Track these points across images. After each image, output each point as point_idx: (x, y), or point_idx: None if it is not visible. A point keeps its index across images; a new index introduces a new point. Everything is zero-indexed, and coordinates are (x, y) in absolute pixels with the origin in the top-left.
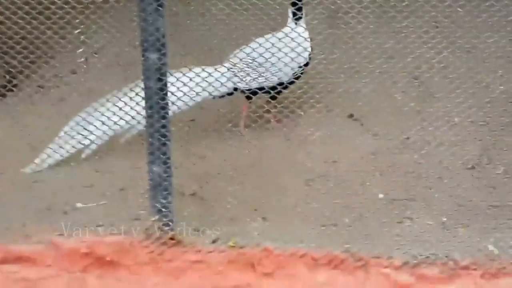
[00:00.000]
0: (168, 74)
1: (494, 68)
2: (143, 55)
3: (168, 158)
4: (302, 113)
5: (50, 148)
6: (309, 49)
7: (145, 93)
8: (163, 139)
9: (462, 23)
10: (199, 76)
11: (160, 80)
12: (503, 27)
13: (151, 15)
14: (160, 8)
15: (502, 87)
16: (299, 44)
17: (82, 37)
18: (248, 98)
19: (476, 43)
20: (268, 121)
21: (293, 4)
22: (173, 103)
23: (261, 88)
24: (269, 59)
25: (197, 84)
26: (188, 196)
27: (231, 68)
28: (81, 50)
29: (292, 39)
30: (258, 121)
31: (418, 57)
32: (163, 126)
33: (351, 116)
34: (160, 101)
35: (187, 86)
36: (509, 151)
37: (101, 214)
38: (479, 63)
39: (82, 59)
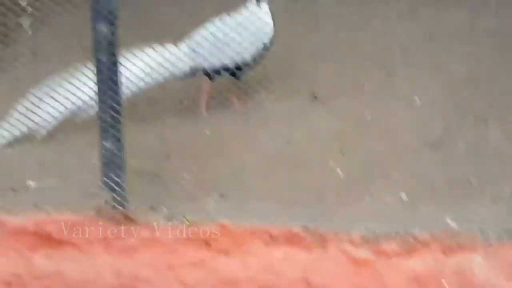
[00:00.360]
0: (128, 53)
1: (457, 53)
2: (93, 28)
3: (121, 135)
4: (264, 93)
5: (2, 127)
6: (272, 29)
7: (96, 68)
8: (115, 115)
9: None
10: (160, 54)
11: (112, 54)
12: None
13: None
14: None
15: (464, 69)
16: (263, 23)
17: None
18: (210, 77)
19: (437, 27)
20: (230, 101)
21: None
22: (132, 82)
23: (223, 68)
24: (232, 37)
25: (158, 63)
26: (145, 174)
27: (192, 46)
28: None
29: (256, 18)
30: (220, 101)
31: (381, 41)
32: (116, 102)
33: (314, 97)
34: (112, 76)
35: (148, 65)
36: (469, 129)
37: (52, 192)
38: (442, 47)
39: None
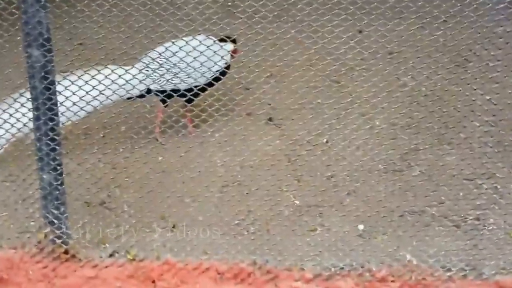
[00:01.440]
0: (73, 75)
1: (416, 71)
2: (26, 52)
3: (59, 165)
4: (219, 116)
5: None
6: (229, 55)
7: (31, 93)
8: (52, 143)
9: (385, 27)
10: (108, 78)
11: (45, 78)
12: (425, 28)
13: (32, 6)
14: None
15: (424, 89)
16: (219, 48)
17: None
18: (163, 101)
19: (397, 46)
20: (184, 126)
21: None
22: (79, 107)
23: (176, 91)
24: (184, 60)
25: (106, 86)
26: (92, 205)
27: (143, 69)
28: None
29: (213, 42)
30: (173, 126)
31: (338, 60)
32: (52, 129)
33: (269, 119)
34: (47, 102)
35: (96, 88)
36: (426, 153)
37: None
38: (401, 65)
39: None
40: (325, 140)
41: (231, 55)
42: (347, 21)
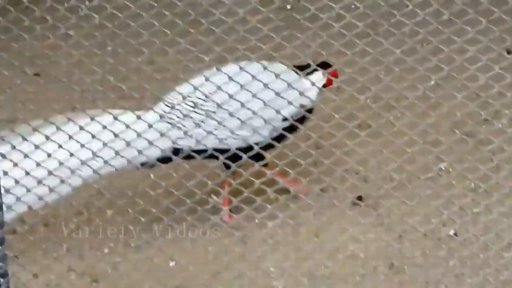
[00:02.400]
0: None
1: None
2: None
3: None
4: (272, 194)
5: None
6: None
7: None
8: None
9: None
10: (109, 129)
11: None
12: None
13: None
14: None
15: None
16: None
17: None
18: (227, 166)
19: None
20: (215, 209)
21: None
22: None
23: (221, 151)
24: (237, 98)
25: (106, 143)
26: None
27: (169, 114)
28: None
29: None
30: (195, 210)
31: (476, 98)
32: None
33: (358, 198)
34: None
35: (87, 147)
36: None
37: None
38: None
39: None
40: (452, 231)
41: (325, 85)
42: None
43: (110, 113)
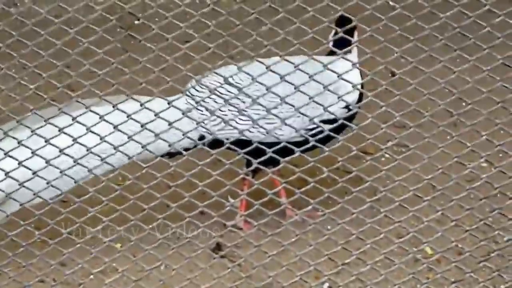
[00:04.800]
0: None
1: None
2: None
3: None
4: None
5: None
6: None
7: None
8: None
9: None
10: (131, 116)
11: None
12: None
13: None
14: None
15: None
16: (340, 77)
17: None
18: (248, 164)
19: None
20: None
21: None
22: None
23: (259, 144)
24: (276, 89)
25: (131, 130)
26: None
27: (198, 100)
28: None
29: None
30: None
31: None
32: None
33: None
34: None
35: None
36: None
37: None
38: None
39: None
40: None
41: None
42: None
43: (135, 99)
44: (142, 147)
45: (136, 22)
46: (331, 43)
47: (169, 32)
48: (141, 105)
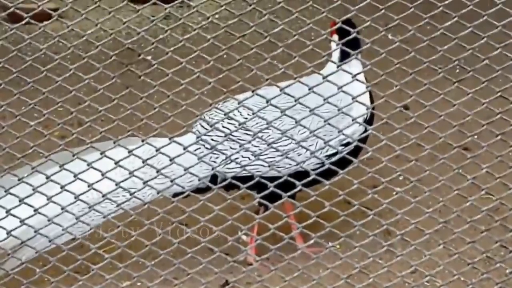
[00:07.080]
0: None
1: None
2: None
3: None
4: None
5: None
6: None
7: None
8: None
9: None
10: (137, 156)
11: None
12: None
13: None
14: None
15: None
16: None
17: None
18: (262, 204)
19: None
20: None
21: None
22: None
23: (272, 179)
24: (294, 117)
25: (135, 170)
26: None
27: (207, 136)
28: None
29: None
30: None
31: None
32: None
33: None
34: None
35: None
36: None
37: None
38: None
39: None
40: None
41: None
42: None
43: (139, 138)
44: (158, 193)
45: (138, 57)
46: (336, 55)
47: (169, 67)
48: (156, 150)
